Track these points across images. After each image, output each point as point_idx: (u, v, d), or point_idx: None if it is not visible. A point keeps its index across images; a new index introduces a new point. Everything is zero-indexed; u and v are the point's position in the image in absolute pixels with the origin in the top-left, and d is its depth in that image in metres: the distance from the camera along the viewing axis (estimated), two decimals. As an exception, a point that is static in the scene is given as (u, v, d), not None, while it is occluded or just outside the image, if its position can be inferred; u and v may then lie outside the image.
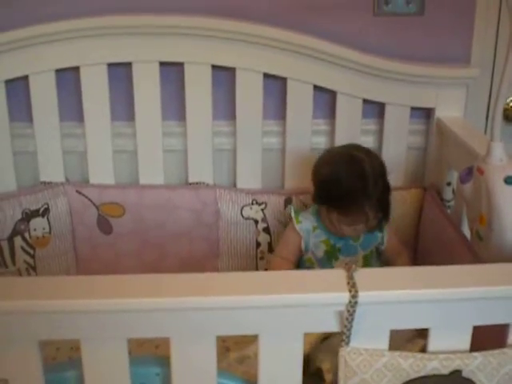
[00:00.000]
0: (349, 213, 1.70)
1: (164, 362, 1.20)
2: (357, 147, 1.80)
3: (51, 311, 1.07)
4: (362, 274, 1.11)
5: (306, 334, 1.15)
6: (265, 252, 2.05)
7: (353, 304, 1.07)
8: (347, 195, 1.68)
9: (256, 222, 2.03)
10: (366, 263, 1.81)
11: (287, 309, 1.10)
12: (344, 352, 1.15)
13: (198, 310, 1.08)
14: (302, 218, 1.82)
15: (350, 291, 1.07)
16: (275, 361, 1.15)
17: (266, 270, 2.03)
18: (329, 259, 1.79)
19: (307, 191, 2.02)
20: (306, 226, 1.80)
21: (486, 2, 1.95)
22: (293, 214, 1.82)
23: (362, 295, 1.07)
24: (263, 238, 2.04)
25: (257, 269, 2.06)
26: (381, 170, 1.73)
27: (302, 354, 1.16)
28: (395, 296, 1.10)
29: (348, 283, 1.08)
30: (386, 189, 1.73)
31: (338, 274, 1.11)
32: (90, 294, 1.07)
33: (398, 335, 1.19)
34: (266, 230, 2.03)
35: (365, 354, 1.15)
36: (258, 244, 2.05)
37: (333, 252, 1.79)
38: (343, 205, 1.69)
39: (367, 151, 1.76)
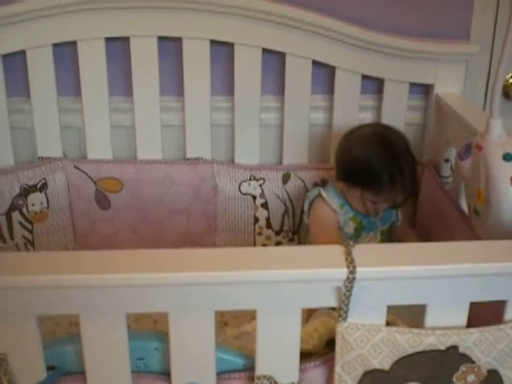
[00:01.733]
0: (384, 192, 1.72)
1: (163, 336, 1.20)
2: (383, 126, 1.86)
3: (48, 286, 1.07)
4: (360, 250, 1.11)
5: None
6: (263, 227, 2.06)
7: (351, 280, 1.08)
8: (383, 176, 1.70)
9: (254, 197, 2.03)
10: (382, 239, 1.84)
11: (285, 284, 1.10)
12: (341, 327, 1.15)
13: (195, 286, 1.09)
14: (329, 196, 1.80)
15: (348, 267, 1.07)
16: (273, 335, 1.16)
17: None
18: (357, 236, 1.81)
19: (305, 167, 2.03)
20: (335, 204, 1.80)
21: (487, -23, 1.94)
22: (324, 194, 1.79)
23: (360, 271, 1.07)
24: (261, 214, 2.05)
25: (254, 244, 2.07)
26: (408, 147, 1.76)
27: (300, 328, 1.16)
28: (393, 272, 1.10)
29: (346, 259, 1.08)
30: (415, 162, 1.77)
31: (336, 250, 1.11)
32: (86, 269, 1.06)
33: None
34: (264, 205, 2.04)
35: (362, 329, 1.15)
36: (256, 219, 2.05)
37: (361, 229, 1.81)
38: (379, 186, 1.71)
39: (393, 130, 1.79)
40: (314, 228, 1.84)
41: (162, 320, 1.16)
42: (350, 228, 1.80)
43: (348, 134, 1.81)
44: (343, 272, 1.07)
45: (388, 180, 1.69)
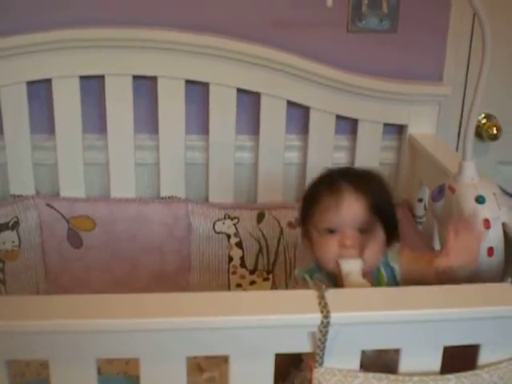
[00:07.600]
0: (315, 210, 1.40)
1: (134, 382, 1.18)
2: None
3: (18, 332, 1.04)
4: (334, 295, 1.10)
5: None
6: (237, 267, 2.04)
7: (325, 325, 1.07)
8: (317, 184, 1.46)
9: (228, 236, 2.02)
10: None
11: (258, 330, 1.09)
12: (318, 373, 1.13)
13: (167, 331, 1.07)
14: (315, 277, 1.43)
15: (322, 312, 1.06)
16: (246, 381, 1.14)
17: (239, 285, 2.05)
18: None
19: (279, 206, 2.02)
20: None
21: (460, 20, 1.97)
22: (308, 278, 1.41)
23: (334, 316, 1.06)
24: (235, 253, 2.03)
25: (228, 283, 2.05)
26: (367, 174, 1.46)
27: (273, 374, 1.15)
28: (367, 317, 1.09)
29: (320, 304, 1.08)
30: (375, 185, 1.44)
31: (309, 295, 1.10)
32: (55, 315, 1.05)
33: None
34: (239, 244, 2.02)
35: (339, 374, 1.14)
36: (231, 259, 2.03)
37: None
38: (307, 205, 1.45)
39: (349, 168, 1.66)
40: None
41: (134, 361, 1.14)
42: None
43: None
44: (317, 317, 1.06)
45: (308, 192, 1.47)
